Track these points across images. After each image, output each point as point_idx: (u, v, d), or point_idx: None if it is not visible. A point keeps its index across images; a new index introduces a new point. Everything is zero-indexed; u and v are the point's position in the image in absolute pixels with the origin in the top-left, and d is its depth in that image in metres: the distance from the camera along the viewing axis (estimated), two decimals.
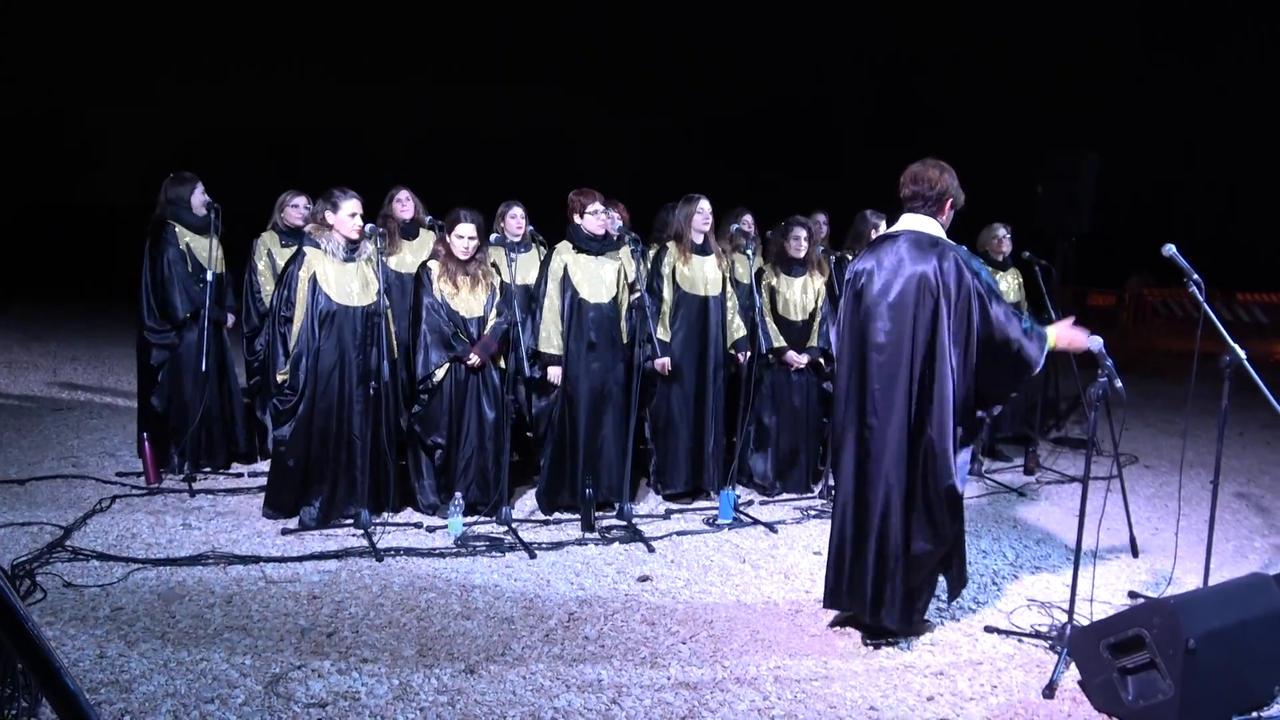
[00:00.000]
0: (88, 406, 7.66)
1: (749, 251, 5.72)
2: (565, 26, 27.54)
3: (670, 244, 5.65)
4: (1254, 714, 3.27)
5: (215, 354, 5.64)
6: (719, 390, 5.71)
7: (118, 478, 5.62)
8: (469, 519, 5.03)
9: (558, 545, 4.82)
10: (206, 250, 5.63)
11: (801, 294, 5.97)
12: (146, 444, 5.50)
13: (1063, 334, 3.75)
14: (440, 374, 5.10)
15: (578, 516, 5.17)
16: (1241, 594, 3.42)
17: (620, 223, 5.57)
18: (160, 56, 26.40)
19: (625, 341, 5.41)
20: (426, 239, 6.05)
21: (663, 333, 5.55)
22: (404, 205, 6.13)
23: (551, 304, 5.26)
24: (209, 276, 5.50)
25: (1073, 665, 3.48)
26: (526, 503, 5.55)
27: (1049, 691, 3.42)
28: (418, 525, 5.03)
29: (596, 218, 5.30)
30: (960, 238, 3.86)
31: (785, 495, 5.93)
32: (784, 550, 4.96)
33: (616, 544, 4.90)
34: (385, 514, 5.11)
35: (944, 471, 3.61)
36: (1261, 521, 5.88)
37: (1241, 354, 3.88)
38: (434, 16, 27.34)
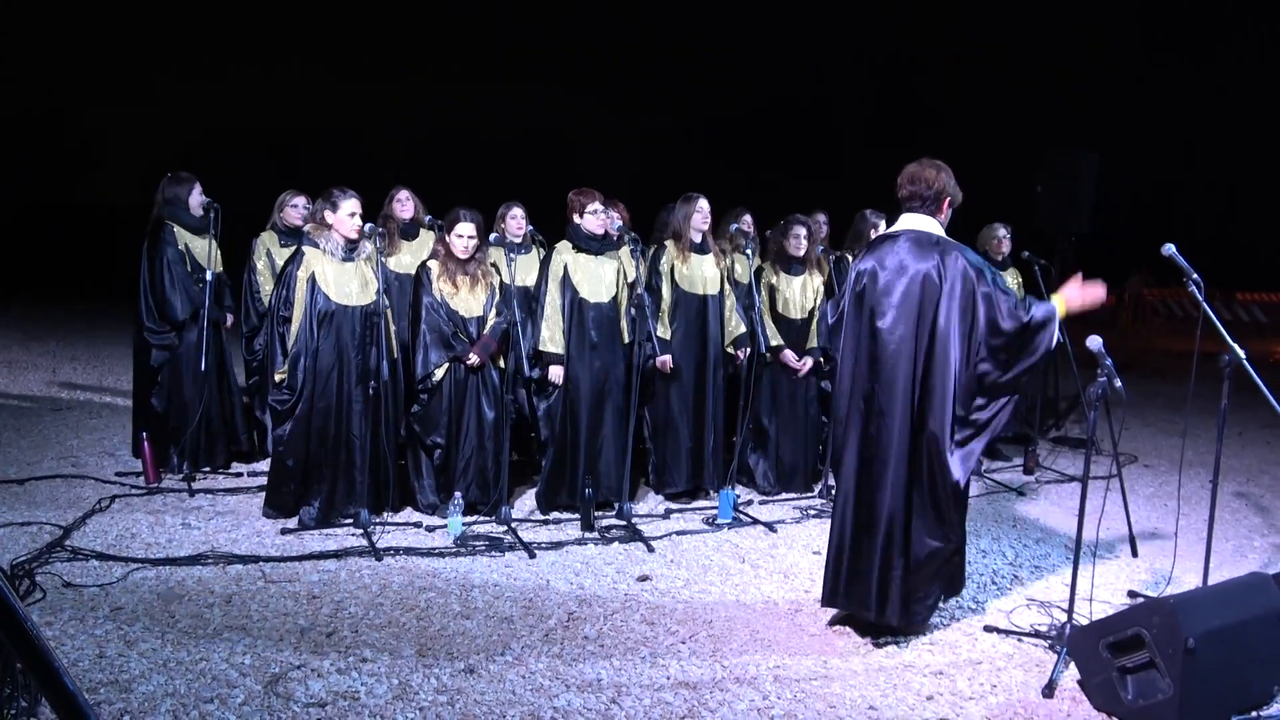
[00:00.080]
0: (87, 406, 7.66)
1: (748, 251, 5.72)
2: (565, 26, 27.56)
3: (669, 242, 5.66)
4: (1253, 713, 3.27)
5: (214, 354, 5.64)
6: (718, 389, 5.71)
7: (117, 477, 5.62)
8: (468, 519, 5.03)
9: (557, 545, 4.82)
10: (205, 250, 5.63)
11: (801, 293, 5.97)
12: (146, 444, 5.50)
13: (1072, 297, 3.71)
14: (439, 374, 5.10)
15: (577, 516, 5.17)
16: (1241, 593, 3.42)
17: (620, 222, 5.58)
18: (160, 56, 26.41)
19: (626, 341, 5.41)
20: (426, 239, 6.06)
21: (662, 331, 5.55)
22: (404, 205, 6.13)
23: (553, 303, 5.26)
24: (208, 276, 5.50)
25: (1072, 664, 3.48)
26: (526, 502, 5.55)
27: (1048, 691, 3.42)
28: (417, 525, 5.03)
29: (596, 217, 5.31)
30: (960, 237, 3.87)
31: (785, 495, 5.93)
32: (783, 550, 4.96)
33: (616, 544, 4.90)
34: (385, 514, 5.11)
35: (947, 468, 3.61)
36: (1261, 521, 5.88)
37: (1241, 353, 3.88)
38: (434, 16, 27.36)
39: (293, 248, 5.15)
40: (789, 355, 5.85)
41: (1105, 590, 4.43)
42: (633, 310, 5.35)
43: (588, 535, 5.00)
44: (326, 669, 3.37)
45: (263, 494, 5.16)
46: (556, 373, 5.25)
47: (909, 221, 3.80)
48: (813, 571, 4.63)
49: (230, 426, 5.94)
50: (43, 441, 6.44)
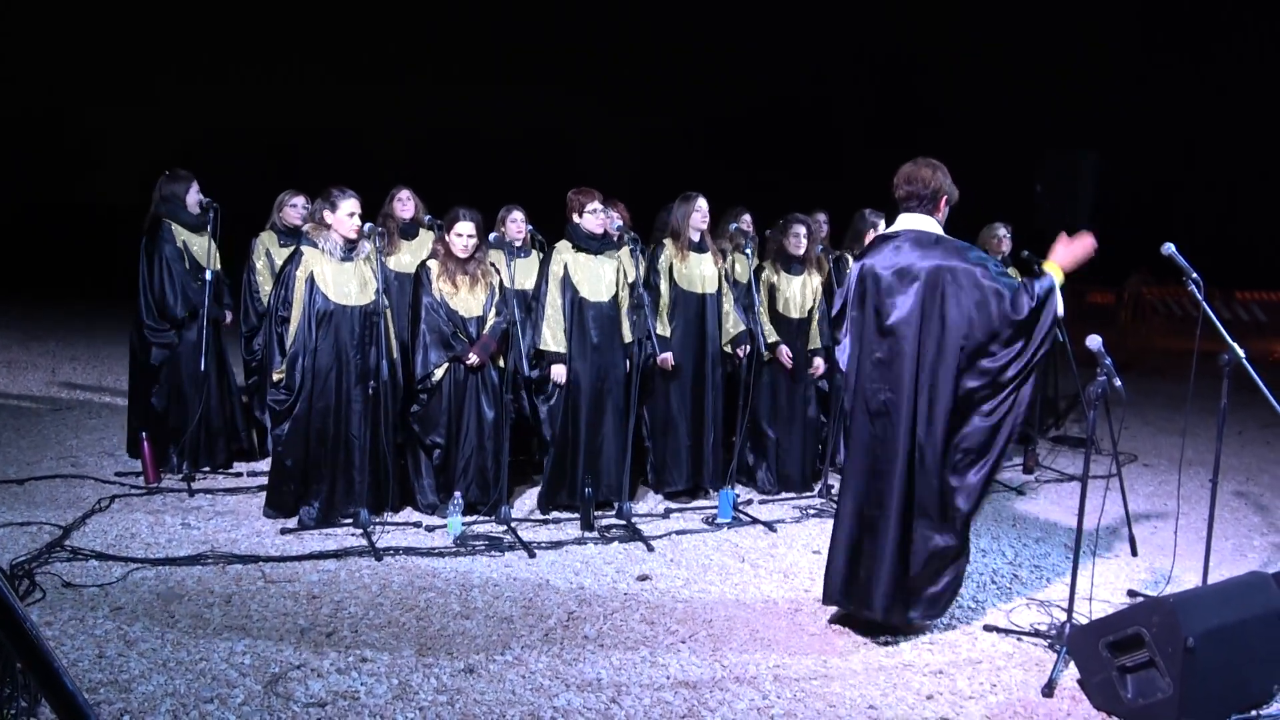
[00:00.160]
0: (87, 406, 7.66)
1: (748, 250, 5.72)
2: (565, 26, 27.54)
3: (667, 241, 5.66)
4: (1253, 712, 3.27)
5: (214, 353, 5.64)
6: (717, 388, 5.71)
7: (117, 477, 5.62)
8: (468, 518, 5.03)
9: (557, 544, 4.82)
10: (203, 248, 5.64)
11: (800, 292, 5.98)
12: (145, 443, 5.50)
13: (1063, 258, 3.68)
14: (439, 373, 5.10)
15: (577, 516, 5.17)
16: (1241, 592, 3.42)
17: (620, 222, 5.58)
18: (160, 56, 26.39)
19: (626, 340, 5.41)
20: (426, 239, 6.06)
21: (662, 329, 5.55)
22: (405, 205, 6.13)
23: (553, 303, 5.26)
24: (208, 276, 5.50)
25: (1072, 664, 3.48)
26: (525, 502, 5.55)
27: (1048, 690, 3.42)
28: (417, 525, 5.03)
29: (595, 216, 5.31)
30: (960, 237, 3.87)
31: (784, 494, 5.93)
32: (783, 549, 4.96)
33: (616, 543, 4.90)
34: (385, 513, 5.11)
35: (958, 464, 3.62)
36: (1260, 520, 5.88)
37: (1240, 352, 3.88)
38: (434, 16, 27.34)
39: (292, 247, 5.15)
40: (784, 351, 5.85)
41: (1105, 589, 4.44)
42: (634, 315, 5.35)
43: (587, 535, 5.00)
44: (326, 669, 3.37)
45: (262, 494, 5.16)
46: (559, 372, 5.25)
47: (908, 221, 3.80)
48: (812, 571, 4.63)
49: (230, 426, 5.93)
50: (42, 441, 6.44)
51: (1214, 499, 4.06)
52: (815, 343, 5.99)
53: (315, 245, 4.86)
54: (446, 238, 5.16)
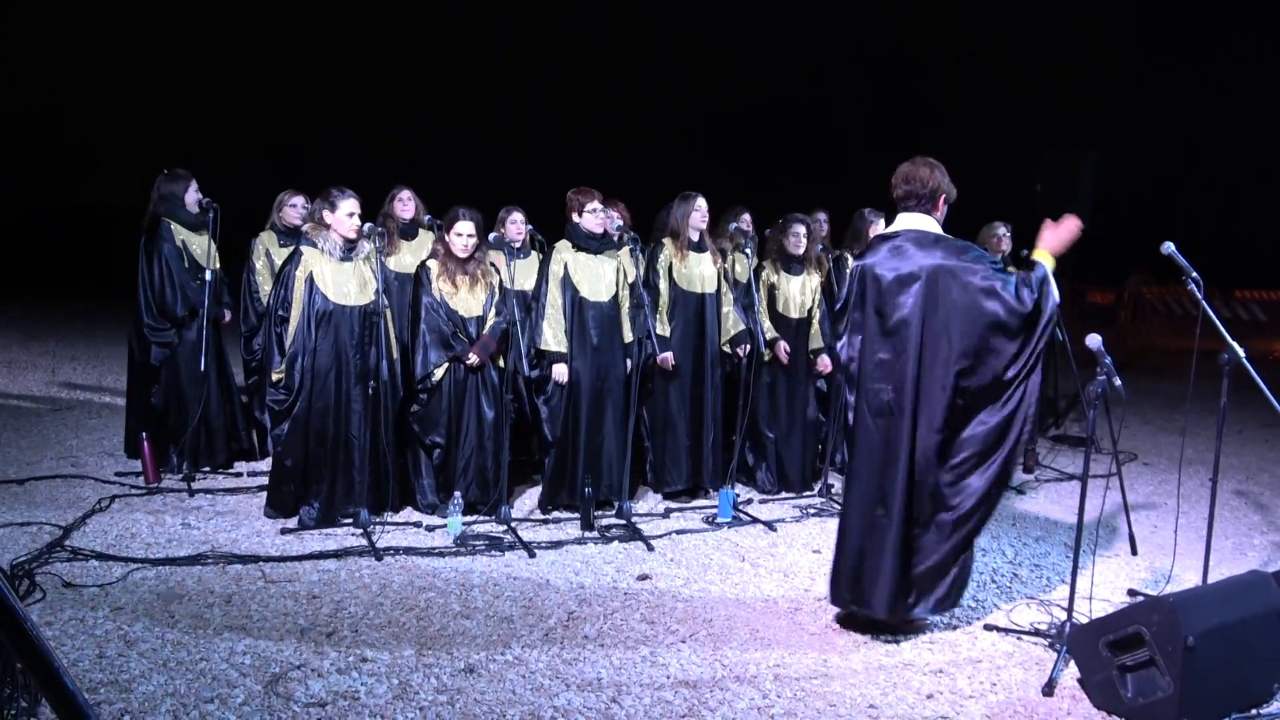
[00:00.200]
0: (87, 406, 7.66)
1: (748, 250, 5.72)
2: (565, 26, 27.53)
3: (667, 240, 5.65)
4: (1253, 711, 3.27)
5: (213, 353, 5.64)
6: (716, 387, 5.71)
7: (117, 477, 5.62)
8: (468, 518, 5.03)
9: (557, 544, 4.82)
10: (202, 247, 5.64)
11: (800, 292, 5.98)
12: (145, 443, 5.50)
13: (1052, 245, 3.72)
14: (439, 373, 5.10)
15: (577, 515, 5.17)
16: (1241, 591, 3.42)
17: (620, 222, 5.58)
18: (160, 56, 26.39)
19: (627, 340, 5.41)
20: (425, 239, 6.06)
21: (662, 329, 5.55)
22: (405, 205, 6.13)
23: (554, 303, 5.26)
24: (207, 275, 5.49)
25: (1072, 663, 3.48)
26: (525, 502, 5.55)
27: (1048, 689, 3.42)
28: (417, 524, 5.03)
29: (595, 216, 5.31)
30: (960, 236, 3.88)
31: (784, 494, 5.93)
32: (783, 549, 4.96)
33: (616, 543, 4.90)
34: (385, 513, 5.11)
35: (963, 464, 3.64)
36: (1260, 519, 5.88)
37: (1240, 352, 3.88)
38: (434, 16, 27.34)
39: (292, 247, 5.15)
40: (782, 346, 5.85)
41: (1105, 588, 4.44)
42: (634, 314, 5.36)
43: (587, 534, 5.00)
44: (326, 669, 3.37)
45: (263, 494, 5.17)
46: (561, 371, 5.25)
47: (907, 221, 3.81)
48: (812, 570, 4.63)
49: (230, 426, 5.93)
50: (42, 441, 6.44)
51: (1214, 498, 4.06)
52: (817, 342, 6.00)
53: (315, 245, 4.86)
54: (446, 237, 5.16)
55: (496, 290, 5.27)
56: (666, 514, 5.44)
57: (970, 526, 3.71)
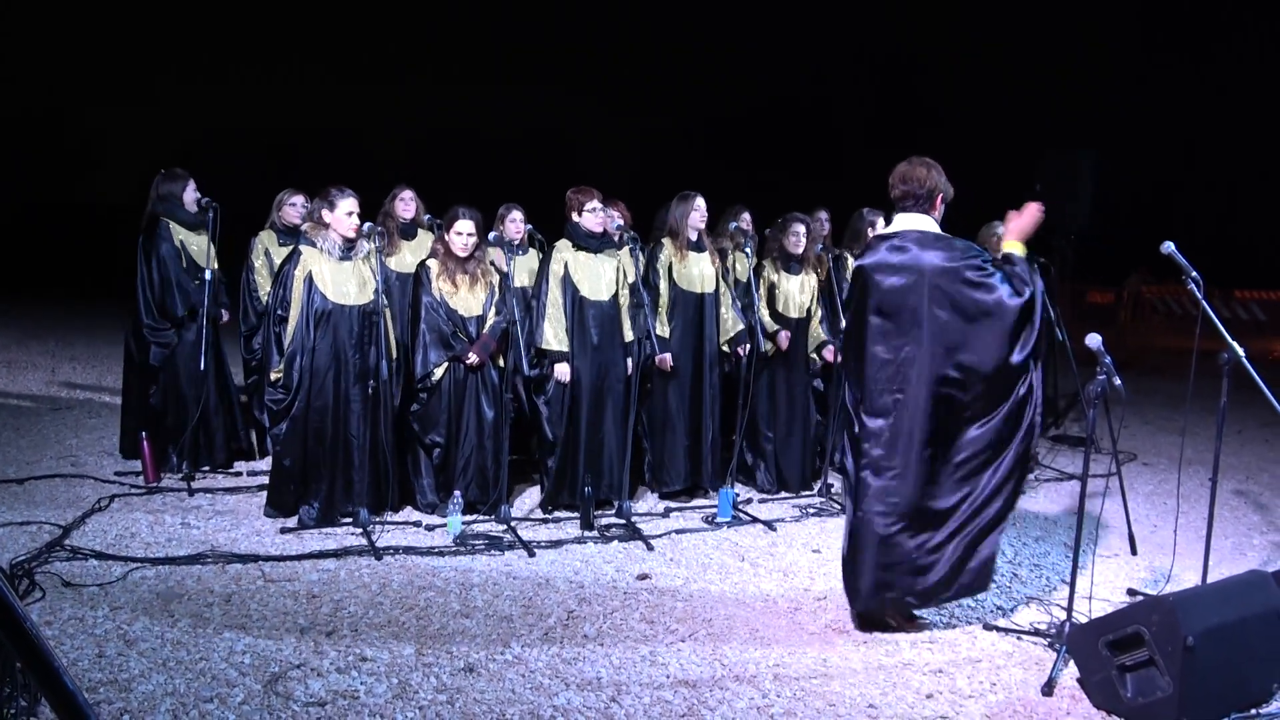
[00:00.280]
0: (86, 406, 7.66)
1: (748, 249, 5.72)
2: (565, 26, 27.54)
3: (666, 240, 5.65)
4: (1253, 711, 3.27)
5: (212, 352, 5.63)
6: (714, 387, 5.71)
7: (116, 477, 5.61)
8: (468, 517, 5.03)
9: (557, 544, 4.82)
10: (200, 247, 5.64)
11: (800, 291, 5.98)
12: (145, 443, 5.50)
13: (1016, 233, 3.81)
14: (439, 373, 5.10)
15: (577, 515, 5.17)
16: (1240, 591, 3.42)
17: (620, 221, 5.57)
18: (160, 56, 26.40)
19: (627, 339, 5.41)
20: (424, 239, 6.05)
21: (661, 329, 5.55)
22: (407, 205, 6.11)
23: (554, 302, 5.26)
24: (207, 275, 5.49)
25: (1071, 663, 3.48)
26: (525, 501, 5.55)
27: (1048, 689, 3.42)
28: (416, 524, 5.03)
29: (595, 215, 5.31)
30: (960, 236, 3.89)
31: (783, 493, 5.93)
32: (783, 548, 4.96)
33: (615, 542, 4.90)
34: (384, 513, 5.11)
35: (970, 463, 3.66)
36: (1260, 519, 5.88)
37: (1240, 351, 3.88)
38: (434, 16, 27.34)
39: (291, 247, 5.15)
40: (784, 336, 5.84)
41: (1104, 588, 4.43)
42: (634, 314, 5.35)
43: (587, 534, 5.00)
44: (326, 668, 3.37)
45: (262, 493, 5.17)
46: (563, 370, 5.24)
47: (906, 221, 3.82)
48: (812, 570, 4.63)
49: (230, 425, 5.93)
50: (42, 441, 6.44)
51: (1213, 498, 4.06)
52: (819, 336, 6.00)
53: (314, 245, 4.85)
54: (446, 237, 5.16)
55: (496, 289, 5.27)
56: (666, 513, 5.44)
57: (990, 518, 3.71)
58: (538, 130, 26.45)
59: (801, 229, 5.94)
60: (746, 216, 6.27)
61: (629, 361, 5.40)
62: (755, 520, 5.34)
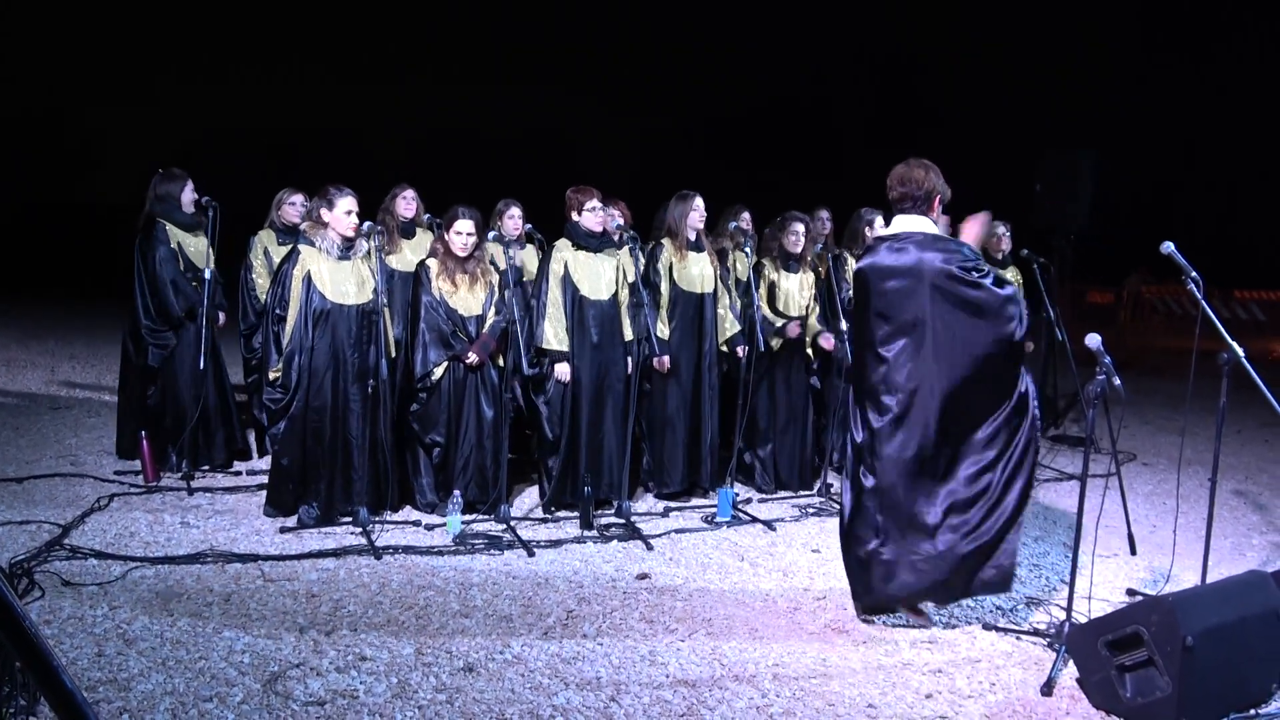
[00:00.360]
0: (86, 405, 7.66)
1: (748, 249, 5.72)
2: (565, 26, 27.56)
3: (666, 240, 5.65)
4: (1252, 711, 3.27)
5: (211, 352, 5.63)
6: (713, 388, 5.71)
7: (116, 476, 5.61)
8: (467, 517, 5.03)
9: (556, 543, 4.82)
10: (196, 248, 5.63)
11: (799, 290, 5.98)
12: (145, 442, 5.49)
13: (973, 239, 3.87)
14: (438, 372, 5.10)
15: (576, 514, 5.17)
16: (1239, 591, 3.42)
17: (620, 221, 5.57)
18: (160, 56, 26.43)
19: (627, 339, 5.41)
20: (423, 238, 6.05)
21: (662, 330, 5.55)
22: (409, 204, 6.10)
23: (554, 301, 5.25)
24: (207, 275, 5.49)
25: (1071, 662, 3.48)
26: (525, 501, 5.55)
27: (1047, 689, 3.42)
28: (416, 523, 5.03)
29: (595, 214, 5.30)
30: (960, 236, 3.90)
31: (783, 493, 5.93)
32: (782, 548, 4.96)
33: (615, 542, 4.90)
34: (384, 512, 5.11)
35: (975, 461, 3.69)
36: (1259, 519, 5.88)
37: (1239, 351, 3.88)
38: (434, 16, 27.37)
39: (290, 246, 5.15)
40: (793, 327, 5.83)
41: (1104, 588, 4.43)
42: (634, 314, 5.35)
43: (587, 533, 5.00)
44: (325, 667, 3.37)
45: (262, 493, 5.16)
46: (563, 370, 5.24)
47: (905, 223, 3.84)
48: (811, 569, 4.63)
49: (228, 424, 5.93)
50: (41, 440, 6.44)
51: (1213, 498, 4.06)
52: (815, 327, 6.00)
53: (312, 244, 4.85)
54: (446, 236, 5.15)
55: (496, 289, 5.27)
56: (666, 513, 5.44)
57: (1006, 516, 3.71)
58: (538, 130, 26.47)
59: (800, 228, 5.94)
60: (746, 216, 6.27)
61: (629, 361, 5.40)
62: (755, 520, 5.34)
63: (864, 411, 3.84)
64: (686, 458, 5.66)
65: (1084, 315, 15.87)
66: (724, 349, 5.78)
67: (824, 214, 6.66)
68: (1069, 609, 3.67)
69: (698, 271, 5.63)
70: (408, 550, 4.59)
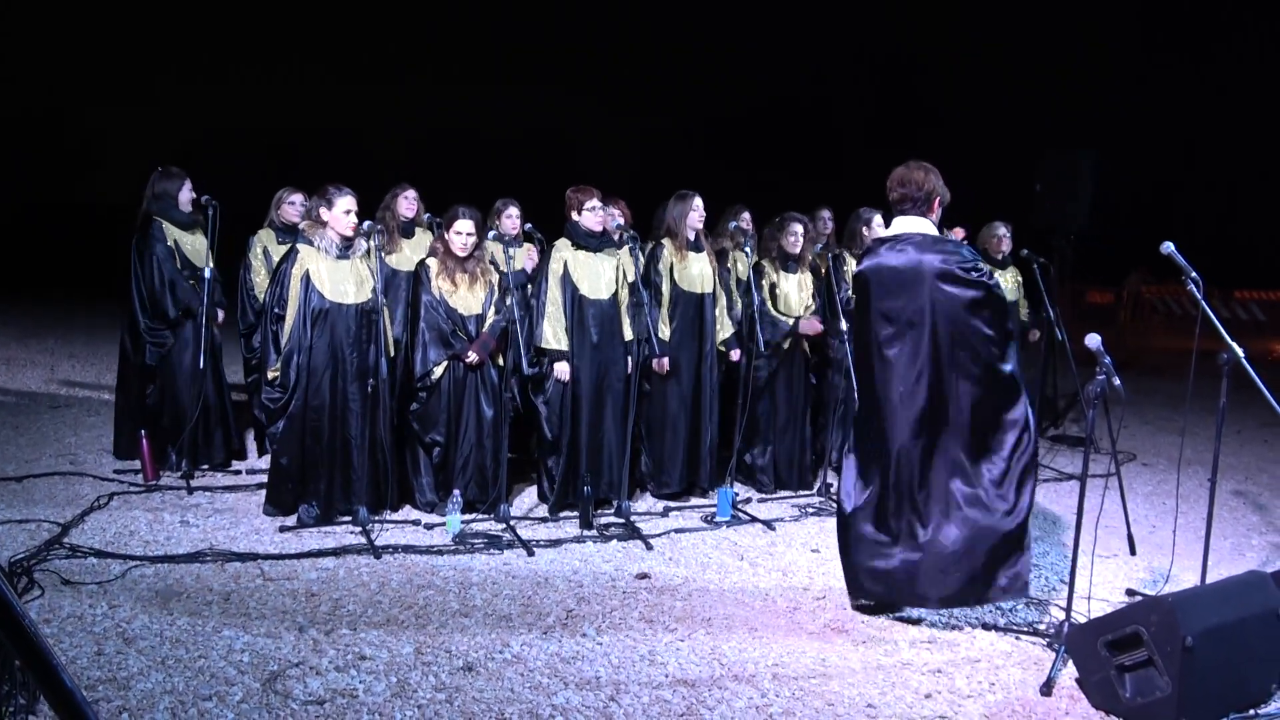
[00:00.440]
0: (85, 404, 7.66)
1: (748, 249, 5.72)
2: (565, 26, 27.55)
3: (665, 240, 5.65)
4: (1251, 711, 3.27)
5: (210, 351, 5.62)
6: (713, 387, 5.71)
7: (115, 475, 5.61)
8: (467, 516, 5.03)
9: (556, 543, 4.82)
10: (193, 246, 5.63)
11: (798, 290, 5.98)
12: (144, 441, 5.49)
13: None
14: (438, 372, 5.10)
15: (576, 514, 5.17)
16: (1239, 591, 3.42)
17: (620, 220, 5.57)
18: (160, 56, 26.42)
19: (627, 338, 5.41)
20: (423, 238, 6.05)
21: (663, 330, 5.55)
22: (410, 203, 6.10)
23: (554, 301, 5.25)
24: (206, 274, 5.49)
25: (1070, 663, 3.48)
26: (525, 500, 5.55)
27: (1047, 689, 3.42)
28: (416, 523, 5.03)
29: (594, 214, 5.30)
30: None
31: (782, 493, 5.93)
32: (782, 548, 4.96)
33: (615, 541, 4.90)
34: (384, 511, 5.10)
35: (978, 461, 3.69)
36: (1259, 519, 5.88)
37: (1239, 352, 3.88)
38: (434, 16, 27.35)
39: (289, 245, 5.14)
40: (812, 323, 5.82)
41: (1103, 588, 4.43)
42: (634, 314, 5.35)
43: (586, 533, 5.00)
44: (325, 667, 3.37)
45: (261, 492, 5.16)
46: (563, 369, 5.24)
47: (905, 224, 3.85)
48: (811, 569, 4.63)
49: (227, 424, 5.93)
50: (41, 439, 6.44)
51: (1212, 498, 4.06)
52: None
53: (311, 243, 4.85)
54: (445, 236, 5.16)
55: (496, 288, 5.27)
56: (665, 513, 5.43)
57: (1018, 520, 3.72)
58: (538, 130, 26.45)
59: (799, 229, 5.93)
60: (746, 216, 6.27)
61: (629, 360, 5.40)
62: (754, 519, 5.34)
63: (865, 412, 3.84)
64: (686, 458, 5.66)
65: (1084, 315, 15.86)
66: (722, 349, 5.77)
67: (826, 214, 6.66)
68: (1068, 609, 3.67)
69: (698, 271, 5.63)
70: (407, 549, 4.59)
